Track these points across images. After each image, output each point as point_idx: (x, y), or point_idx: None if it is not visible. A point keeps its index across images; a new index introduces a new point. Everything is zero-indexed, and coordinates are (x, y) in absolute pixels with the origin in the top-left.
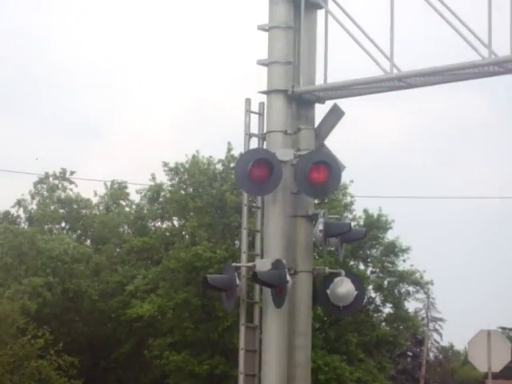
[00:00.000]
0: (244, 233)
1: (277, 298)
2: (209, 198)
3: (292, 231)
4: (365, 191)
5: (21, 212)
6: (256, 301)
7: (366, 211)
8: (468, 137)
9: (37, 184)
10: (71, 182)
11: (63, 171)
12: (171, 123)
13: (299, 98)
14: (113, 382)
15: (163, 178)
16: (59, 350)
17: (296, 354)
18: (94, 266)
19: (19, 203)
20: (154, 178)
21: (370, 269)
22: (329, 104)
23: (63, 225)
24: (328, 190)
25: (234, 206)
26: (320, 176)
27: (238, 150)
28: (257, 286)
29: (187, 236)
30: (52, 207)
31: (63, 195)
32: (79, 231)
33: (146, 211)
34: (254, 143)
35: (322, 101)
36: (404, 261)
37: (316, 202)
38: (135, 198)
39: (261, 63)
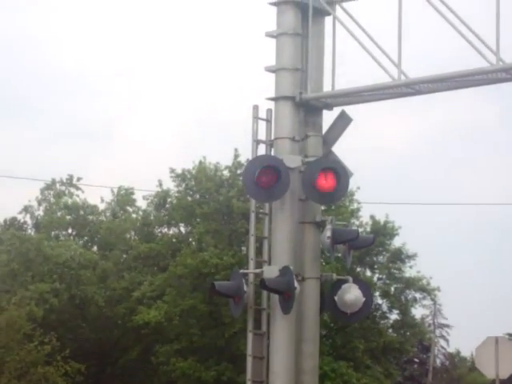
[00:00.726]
0: (252, 239)
1: (284, 304)
2: (215, 205)
3: (299, 238)
4: (371, 197)
5: (28, 218)
6: (263, 307)
7: (372, 218)
8: (476, 143)
9: (44, 190)
10: (78, 189)
11: (70, 177)
12: (178, 129)
13: (307, 105)
14: None
15: (170, 185)
16: (66, 357)
17: (304, 360)
18: (101, 272)
19: (26, 209)
20: (160, 185)
21: (377, 275)
22: (336, 111)
23: (70, 231)
24: (336, 196)
25: (241, 213)
26: (328, 183)
27: (244, 156)
28: (264, 293)
29: (194, 242)
30: (59, 213)
31: (70, 201)
32: (86, 237)
33: (152, 217)
34: (261, 150)
35: (329, 107)
36: (411, 267)
37: (323, 208)
38: (142, 204)
39: (269, 70)
